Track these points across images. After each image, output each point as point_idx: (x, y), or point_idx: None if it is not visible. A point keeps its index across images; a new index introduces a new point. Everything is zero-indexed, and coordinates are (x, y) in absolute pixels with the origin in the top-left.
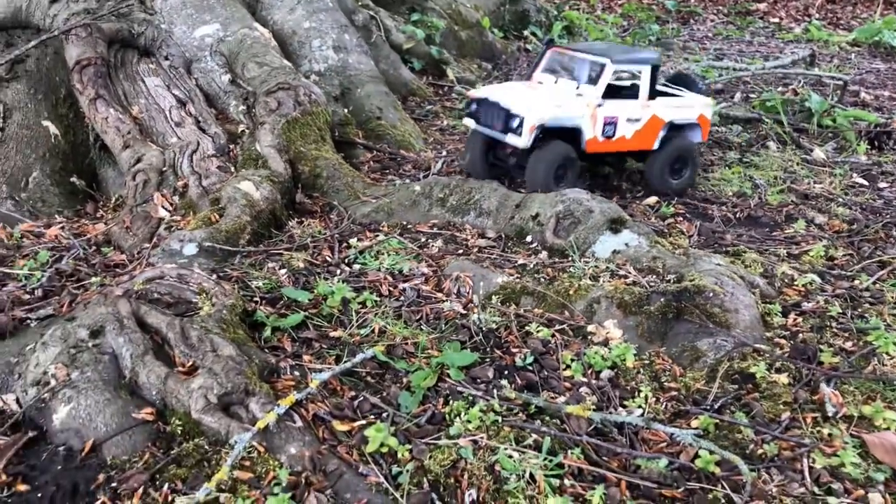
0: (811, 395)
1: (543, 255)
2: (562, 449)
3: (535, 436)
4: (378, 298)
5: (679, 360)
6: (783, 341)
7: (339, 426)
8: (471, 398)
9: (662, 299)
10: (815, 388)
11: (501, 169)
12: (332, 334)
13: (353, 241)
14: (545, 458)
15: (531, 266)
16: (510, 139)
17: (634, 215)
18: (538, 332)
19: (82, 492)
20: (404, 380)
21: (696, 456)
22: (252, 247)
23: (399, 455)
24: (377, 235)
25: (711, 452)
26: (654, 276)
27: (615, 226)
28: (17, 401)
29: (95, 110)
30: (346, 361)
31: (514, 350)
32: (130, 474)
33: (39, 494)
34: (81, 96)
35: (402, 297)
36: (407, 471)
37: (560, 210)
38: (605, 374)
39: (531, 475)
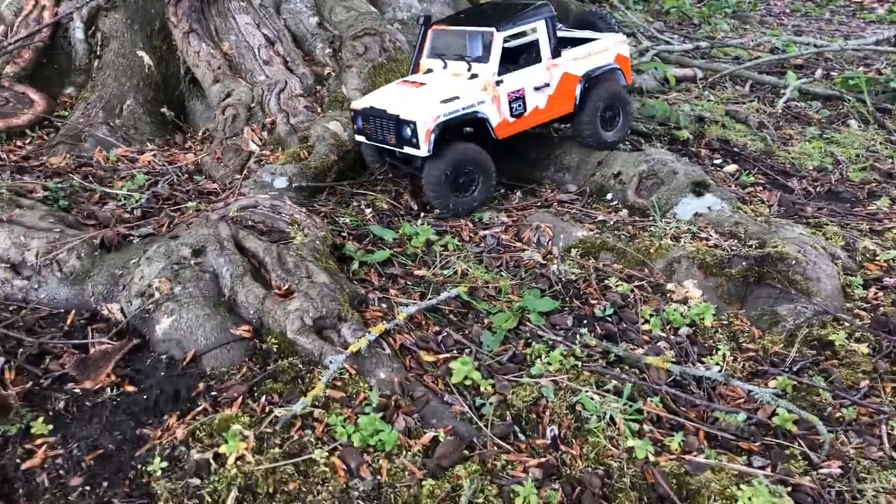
0: (891, 365)
1: (624, 212)
2: (641, 396)
3: (615, 382)
4: (459, 243)
5: (758, 323)
6: (863, 313)
7: (426, 357)
8: (551, 342)
9: (744, 263)
10: (895, 360)
11: (400, 170)
12: (417, 272)
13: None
14: (625, 403)
15: (611, 223)
16: (410, 151)
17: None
18: (617, 286)
19: (183, 397)
20: (486, 320)
21: (774, 414)
22: (338, 184)
23: (482, 388)
24: None
25: (790, 411)
26: (736, 241)
27: (698, 189)
28: (122, 310)
29: (188, 44)
30: (430, 298)
31: (593, 301)
32: (230, 385)
33: (145, 396)
34: (175, 29)
35: (482, 244)
36: (490, 403)
37: (643, 170)
38: (684, 330)
39: (611, 417)
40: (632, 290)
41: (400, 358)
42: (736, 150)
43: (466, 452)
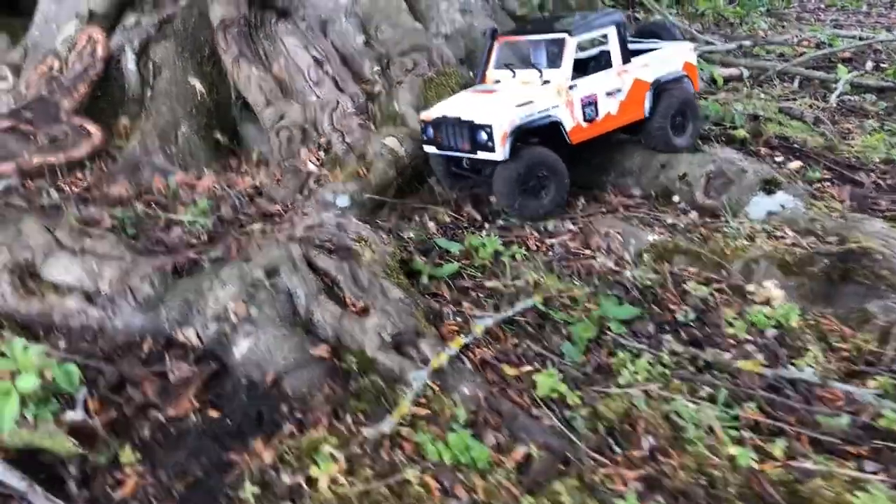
0: None
1: (693, 214)
2: (737, 402)
3: (707, 388)
4: (527, 252)
5: (847, 322)
6: None
7: (508, 370)
8: (635, 350)
9: (826, 261)
10: None
11: (466, 179)
12: (488, 284)
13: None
14: (721, 410)
15: (682, 225)
16: (484, 156)
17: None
18: (696, 290)
19: (267, 420)
20: (564, 330)
21: (879, 415)
22: (398, 200)
23: (569, 401)
24: None
25: None
26: (814, 238)
27: (769, 187)
28: (198, 335)
29: (239, 68)
30: (506, 310)
31: (673, 306)
32: (314, 406)
33: (229, 421)
34: (225, 55)
35: (550, 253)
36: (580, 416)
37: (710, 170)
38: (770, 332)
39: (709, 425)
40: (711, 294)
41: (482, 372)
42: (796, 146)
43: (562, 467)
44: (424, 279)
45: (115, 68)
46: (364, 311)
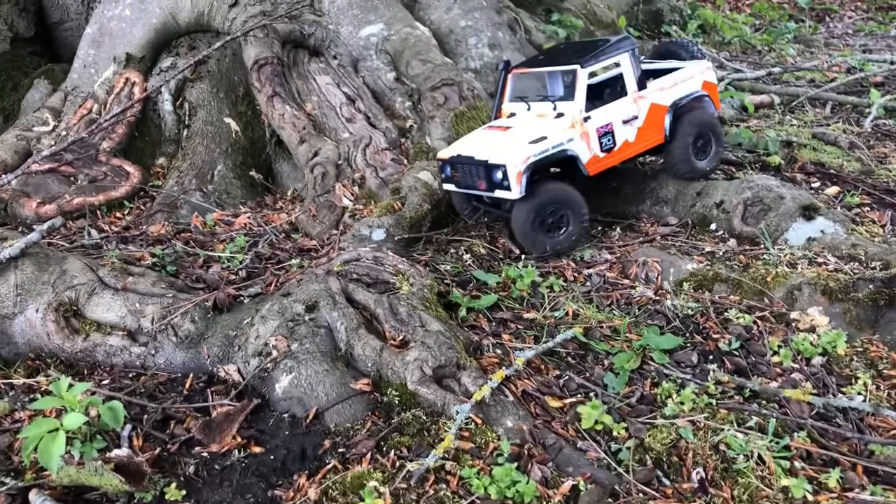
0: None
1: (732, 242)
2: (787, 432)
3: (755, 418)
4: (564, 283)
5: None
6: None
7: (552, 402)
8: (679, 381)
9: (871, 286)
10: None
11: (493, 214)
12: (526, 316)
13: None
14: (771, 440)
15: (720, 253)
16: (502, 195)
17: None
18: (738, 318)
19: (310, 455)
20: (605, 361)
21: None
22: (433, 233)
23: (615, 433)
24: None
25: None
26: (857, 263)
27: (808, 213)
28: (239, 370)
29: (272, 107)
30: (546, 341)
31: (715, 335)
32: (357, 440)
33: (272, 457)
34: (259, 94)
35: (588, 283)
36: (627, 448)
37: (748, 197)
38: (817, 360)
39: (759, 456)
40: (754, 322)
41: (524, 405)
42: (832, 171)
43: (611, 501)
44: (462, 311)
45: (151, 110)
46: (404, 345)
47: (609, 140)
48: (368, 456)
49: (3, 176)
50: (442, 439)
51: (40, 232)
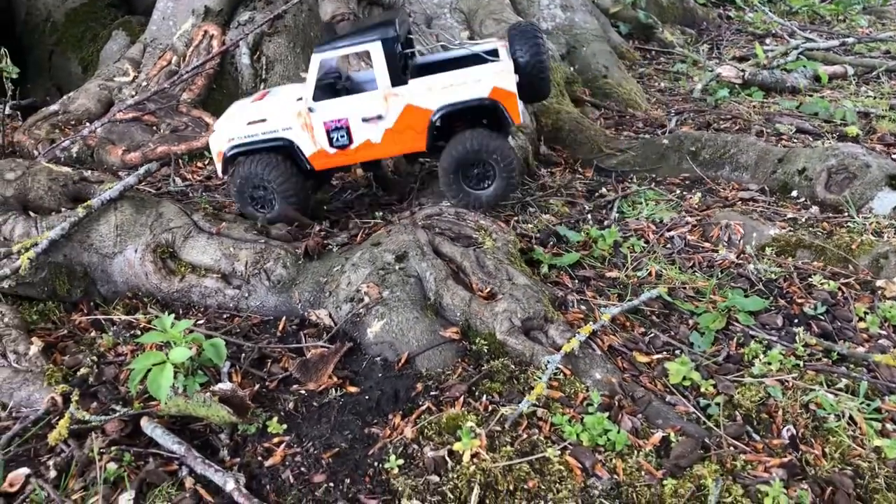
0: None
1: (814, 209)
2: (877, 395)
3: (844, 380)
4: (645, 244)
5: None
6: None
7: (639, 357)
8: (766, 342)
9: None
10: None
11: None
12: (609, 275)
13: (603, 190)
14: (862, 402)
15: (803, 220)
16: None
17: None
18: (822, 284)
19: (403, 397)
20: (690, 321)
21: None
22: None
23: (702, 389)
24: (629, 186)
25: None
26: None
27: (895, 182)
28: (330, 315)
29: (347, 64)
30: (630, 299)
31: (800, 300)
32: (449, 385)
33: (367, 397)
34: None
35: (668, 245)
36: (716, 404)
37: (832, 164)
38: None
39: (850, 416)
40: (839, 288)
41: (611, 359)
42: None
43: (701, 452)
44: (545, 268)
45: (229, 62)
46: (491, 297)
47: (343, 136)
48: (461, 400)
49: (89, 124)
50: (532, 387)
51: (137, 176)
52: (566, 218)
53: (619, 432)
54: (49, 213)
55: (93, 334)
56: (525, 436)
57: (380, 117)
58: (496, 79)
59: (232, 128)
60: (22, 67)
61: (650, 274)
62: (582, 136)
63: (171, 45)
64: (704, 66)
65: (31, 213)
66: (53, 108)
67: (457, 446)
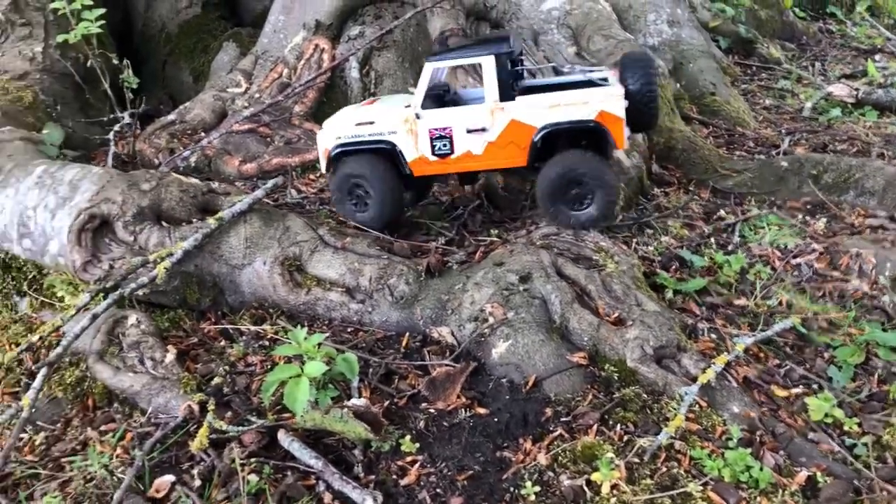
0: None
1: None
2: None
3: None
4: (772, 271)
5: None
6: None
7: (778, 391)
8: None
9: None
10: None
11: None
12: (736, 302)
13: (721, 212)
14: None
15: None
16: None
17: None
18: None
19: (532, 421)
20: (825, 354)
21: None
22: (624, 212)
23: (846, 427)
24: (748, 210)
25: None
26: None
27: None
28: (452, 333)
29: (455, 79)
30: (763, 329)
31: None
32: (581, 412)
33: (496, 419)
34: None
35: (796, 273)
36: (863, 444)
37: None
38: None
39: None
40: None
41: (748, 391)
42: None
43: (853, 496)
44: (669, 293)
45: (338, 76)
46: (619, 322)
47: (445, 144)
48: (594, 428)
49: (205, 133)
50: (667, 418)
51: (265, 189)
52: (686, 241)
53: (762, 469)
54: (180, 223)
55: (222, 343)
56: (664, 469)
57: (484, 130)
58: (604, 103)
59: (340, 127)
60: (138, 77)
61: (780, 303)
62: (695, 156)
63: (282, 58)
64: (812, 84)
65: (164, 223)
66: (171, 117)
67: (595, 476)
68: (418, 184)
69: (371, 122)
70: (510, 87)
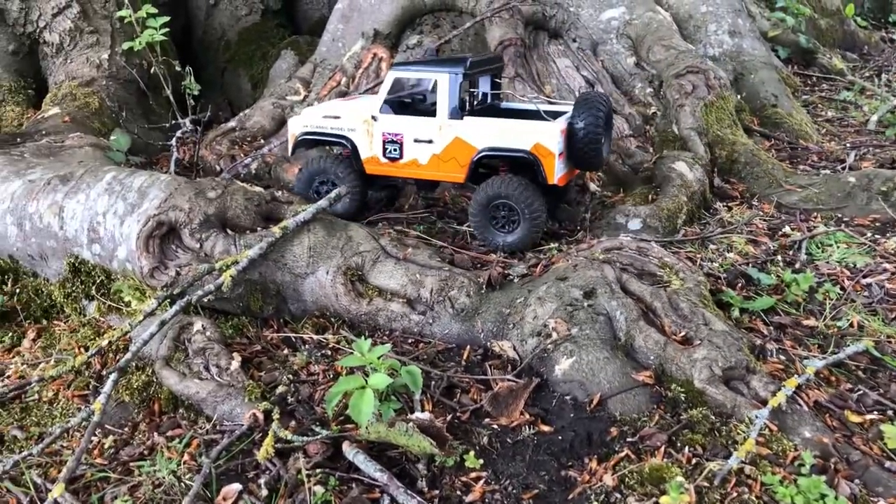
0: None
1: None
2: None
3: None
4: (841, 291)
5: None
6: None
7: (852, 417)
8: None
9: None
10: None
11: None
12: (805, 323)
13: (787, 229)
14: None
15: None
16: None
17: None
18: None
19: (597, 441)
20: None
21: None
22: (687, 227)
23: None
24: (814, 226)
25: None
26: None
27: None
28: (513, 348)
29: (513, 88)
30: (834, 352)
31: None
32: (648, 433)
33: (560, 437)
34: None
35: (866, 293)
36: None
37: None
38: None
39: None
40: None
41: (820, 416)
42: None
43: None
44: (735, 312)
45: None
46: (686, 341)
47: (395, 149)
48: (662, 449)
49: (264, 140)
50: (735, 441)
51: (328, 199)
52: (751, 257)
53: (837, 498)
54: (244, 231)
55: (285, 351)
56: (734, 494)
57: (430, 141)
58: (540, 136)
59: (310, 117)
60: (198, 83)
61: (851, 324)
62: (758, 170)
63: (340, 66)
64: (877, 95)
65: (229, 231)
66: (231, 124)
67: (663, 500)
68: (385, 185)
69: (337, 117)
70: (461, 106)
